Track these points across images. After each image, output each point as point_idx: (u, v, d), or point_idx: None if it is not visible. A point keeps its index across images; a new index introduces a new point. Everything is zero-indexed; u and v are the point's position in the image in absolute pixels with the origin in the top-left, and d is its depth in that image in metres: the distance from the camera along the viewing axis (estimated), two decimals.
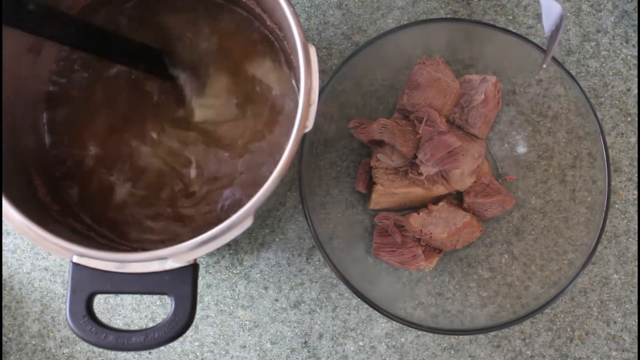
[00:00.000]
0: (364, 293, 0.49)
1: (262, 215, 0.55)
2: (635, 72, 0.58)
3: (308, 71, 0.39)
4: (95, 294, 0.37)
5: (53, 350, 0.55)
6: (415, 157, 0.52)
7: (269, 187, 0.37)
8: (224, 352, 0.55)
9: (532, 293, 0.51)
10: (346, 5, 0.58)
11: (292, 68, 0.48)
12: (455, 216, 0.52)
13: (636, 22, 0.58)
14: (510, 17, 0.58)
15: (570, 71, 0.57)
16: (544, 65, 0.43)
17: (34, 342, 0.55)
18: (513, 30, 0.53)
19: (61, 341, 0.55)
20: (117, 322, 0.55)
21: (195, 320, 0.48)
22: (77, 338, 0.55)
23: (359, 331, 0.55)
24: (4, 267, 0.56)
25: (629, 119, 0.57)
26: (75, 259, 0.37)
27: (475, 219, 0.53)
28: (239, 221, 0.37)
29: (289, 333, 0.55)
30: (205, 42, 0.49)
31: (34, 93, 0.48)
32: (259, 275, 0.56)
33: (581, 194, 0.52)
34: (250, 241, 0.56)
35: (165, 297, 0.54)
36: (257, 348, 0.55)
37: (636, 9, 0.58)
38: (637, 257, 0.56)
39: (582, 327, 0.55)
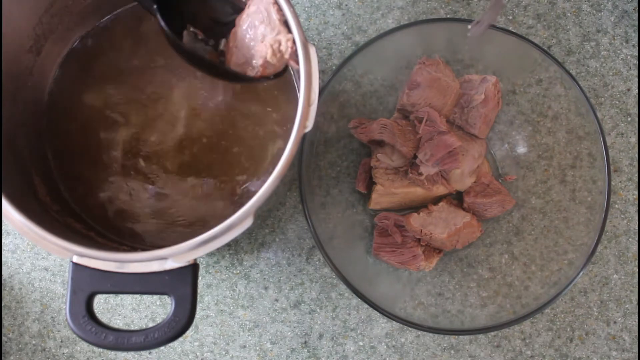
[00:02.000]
0: (364, 293, 0.49)
1: (262, 215, 0.55)
2: (635, 72, 0.58)
3: (308, 71, 0.39)
4: (95, 294, 0.37)
5: (53, 350, 0.55)
6: (415, 157, 0.52)
7: (269, 187, 0.37)
8: (224, 352, 0.55)
9: (532, 293, 0.51)
10: (346, 5, 0.58)
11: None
12: (455, 216, 0.52)
13: (636, 22, 0.58)
14: (510, 17, 0.58)
15: (570, 71, 0.57)
16: (469, 33, 0.43)
17: (34, 342, 0.55)
18: (513, 30, 0.53)
19: (61, 341, 0.55)
20: (117, 322, 0.55)
21: (195, 320, 0.48)
22: (77, 338, 0.55)
23: (359, 331, 0.55)
24: (4, 267, 0.56)
25: (629, 119, 0.57)
26: (75, 259, 0.37)
27: (475, 219, 0.53)
28: (239, 221, 0.37)
29: (289, 333, 0.55)
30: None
31: (34, 93, 0.48)
32: (259, 275, 0.56)
33: (581, 194, 0.52)
34: (250, 241, 0.56)
35: (165, 297, 0.54)
36: (257, 348, 0.55)
37: (636, 9, 0.58)
38: (637, 257, 0.56)
39: (582, 327, 0.55)
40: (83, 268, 0.37)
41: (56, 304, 0.55)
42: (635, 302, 0.55)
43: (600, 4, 0.58)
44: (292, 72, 0.49)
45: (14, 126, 0.45)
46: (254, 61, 0.41)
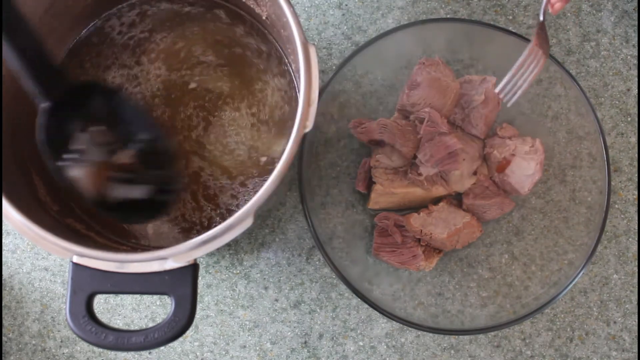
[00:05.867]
0: (364, 293, 0.49)
1: (262, 215, 0.55)
2: (635, 72, 0.58)
3: (308, 71, 0.39)
4: (95, 294, 0.37)
5: (53, 350, 0.55)
6: (415, 157, 0.52)
7: (269, 187, 0.37)
8: (224, 352, 0.55)
9: (532, 293, 0.51)
10: (346, 5, 0.58)
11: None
12: (455, 216, 0.52)
13: (636, 22, 0.58)
14: (510, 17, 0.58)
15: (570, 71, 0.57)
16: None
17: (34, 342, 0.55)
18: (513, 30, 0.53)
19: (61, 341, 0.55)
20: (117, 322, 0.55)
21: (195, 320, 0.48)
22: (77, 338, 0.55)
23: (359, 331, 0.55)
24: (4, 267, 0.56)
25: (629, 119, 0.57)
26: (75, 259, 0.37)
27: (475, 219, 0.53)
28: (239, 221, 0.37)
29: (289, 333, 0.55)
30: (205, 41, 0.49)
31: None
32: (259, 275, 0.56)
33: (581, 194, 0.52)
34: (250, 241, 0.56)
35: (165, 297, 0.54)
36: (257, 348, 0.55)
37: (636, 9, 0.58)
38: (637, 257, 0.56)
39: (582, 327, 0.55)
40: (83, 268, 0.37)
41: (56, 304, 0.55)
42: (635, 302, 0.55)
43: (600, 4, 0.58)
44: (292, 72, 0.50)
45: (14, 126, 0.45)
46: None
